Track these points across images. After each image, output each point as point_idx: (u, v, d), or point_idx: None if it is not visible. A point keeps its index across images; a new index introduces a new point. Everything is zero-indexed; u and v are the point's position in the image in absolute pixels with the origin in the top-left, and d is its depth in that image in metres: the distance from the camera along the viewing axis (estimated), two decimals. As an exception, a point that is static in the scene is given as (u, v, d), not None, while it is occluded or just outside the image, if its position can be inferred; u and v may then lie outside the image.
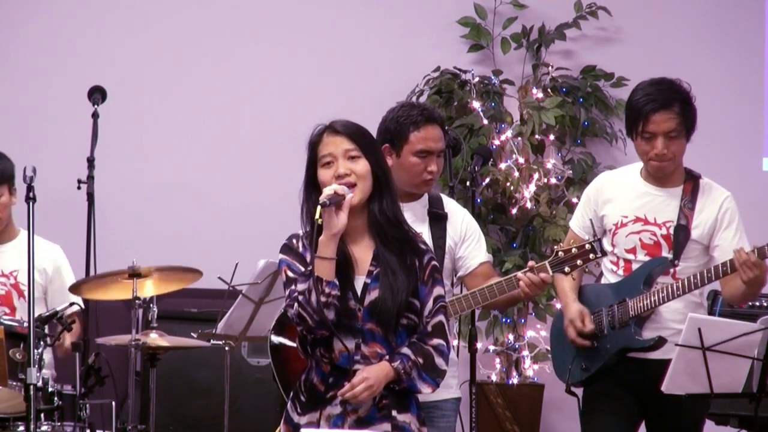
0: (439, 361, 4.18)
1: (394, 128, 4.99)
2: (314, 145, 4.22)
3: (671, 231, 5.19)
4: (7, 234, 6.16)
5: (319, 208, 4.05)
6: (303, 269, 4.15)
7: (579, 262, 4.83)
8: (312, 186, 4.20)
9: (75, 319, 5.93)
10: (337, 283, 4.09)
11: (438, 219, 5.06)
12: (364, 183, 4.17)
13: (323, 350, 4.16)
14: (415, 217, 4.98)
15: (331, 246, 4.10)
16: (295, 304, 4.09)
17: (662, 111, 5.11)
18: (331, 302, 4.08)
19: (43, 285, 6.18)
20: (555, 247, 4.93)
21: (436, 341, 4.19)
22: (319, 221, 4.06)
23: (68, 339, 5.86)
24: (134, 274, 5.79)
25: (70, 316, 5.73)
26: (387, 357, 4.14)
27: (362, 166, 4.18)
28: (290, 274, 4.17)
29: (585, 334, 5.20)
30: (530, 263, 4.92)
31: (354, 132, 4.20)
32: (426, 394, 4.23)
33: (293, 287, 4.13)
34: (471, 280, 5.06)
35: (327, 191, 4.10)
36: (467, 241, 5.07)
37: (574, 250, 4.85)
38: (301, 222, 4.23)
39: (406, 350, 4.16)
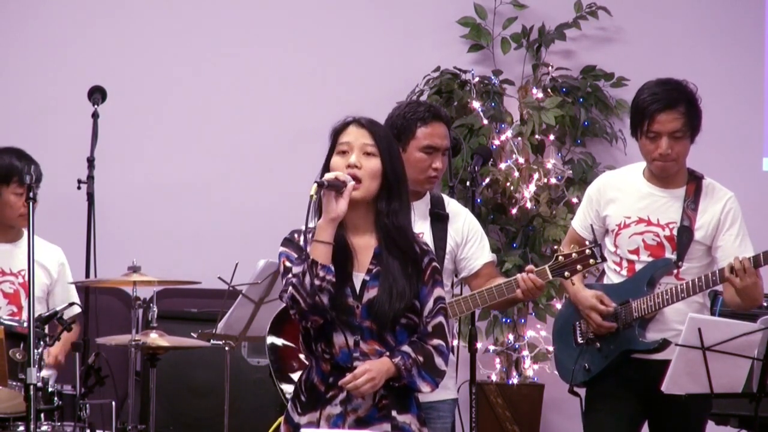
0: (438, 361, 4.18)
1: (401, 124, 4.99)
2: (337, 132, 4.22)
3: (674, 232, 5.17)
4: (15, 234, 6.18)
5: (314, 185, 4.05)
6: (301, 259, 4.16)
7: (579, 267, 4.86)
8: (326, 172, 4.18)
9: (75, 319, 5.94)
10: (333, 269, 4.07)
11: (439, 219, 5.05)
12: (370, 181, 4.16)
13: (324, 345, 4.16)
14: (417, 215, 4.98)
15: (328, 230, 4.09)
16: (290, 287, 4.08)
17: (668, 111, 5.10)
18: (326, 287, 4.06)
19: (48, 285, 6.19)
20: (556, 249, 4.94)
21: (436, 341, 4.19)
22: (314, 197, 4.05)
23: (53, 352, 5.90)
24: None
25: (71, 317, 5.73)
26: (387, 354, 4.14)
27: (373, 164, 4.17)
28: (288, 264, 4.16)
29: (609, 315, 5.18)
30: (529, 267, 4.94)
31: (377, 130, 4.21)
32: (425, 393, 4.23)
33: (289, 275, 4.12)
34: (474, 281, 5.07)
35: (329, 175, 4.10)
36: (470, 242, 5.06)
37: (574, 255, 4.87)
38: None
39: (406, 348, 4.15)
